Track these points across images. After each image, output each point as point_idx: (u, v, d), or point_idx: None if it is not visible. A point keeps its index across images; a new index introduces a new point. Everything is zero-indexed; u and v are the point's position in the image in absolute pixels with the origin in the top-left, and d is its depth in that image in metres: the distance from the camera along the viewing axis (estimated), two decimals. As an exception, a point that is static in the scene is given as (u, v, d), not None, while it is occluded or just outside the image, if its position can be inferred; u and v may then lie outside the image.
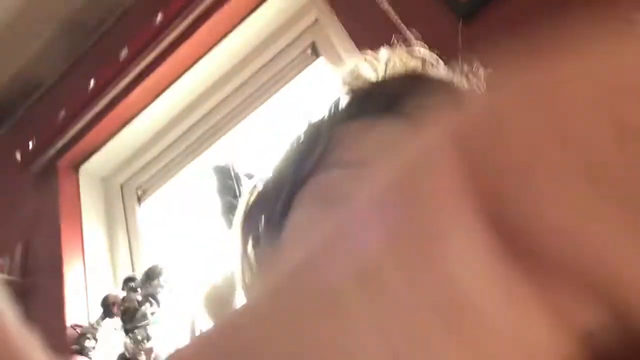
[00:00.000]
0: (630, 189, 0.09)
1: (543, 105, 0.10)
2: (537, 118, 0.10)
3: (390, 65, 0.39)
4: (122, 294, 1.25)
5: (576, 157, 0.09)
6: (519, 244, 0.09)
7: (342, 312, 0.10)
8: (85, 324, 1.28)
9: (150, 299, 1.15)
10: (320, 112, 0.37)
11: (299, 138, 0.36)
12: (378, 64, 0.39)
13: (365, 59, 0.40)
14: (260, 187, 0.37)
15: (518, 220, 0.09)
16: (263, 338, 0.10)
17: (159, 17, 1.47)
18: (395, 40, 0.43)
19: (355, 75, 0.39)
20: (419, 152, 0.11)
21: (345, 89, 0.38)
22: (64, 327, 1.27)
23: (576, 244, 0.09)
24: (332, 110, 0.36)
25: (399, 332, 0.09)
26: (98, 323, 1.25)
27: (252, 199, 0.37)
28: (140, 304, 1.18)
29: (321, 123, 0.35)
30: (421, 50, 0.41)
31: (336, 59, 1.21)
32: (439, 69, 0.40)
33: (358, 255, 0.10)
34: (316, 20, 1.35)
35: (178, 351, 0.13)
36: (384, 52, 0.41)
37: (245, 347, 0.10)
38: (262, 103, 1.45)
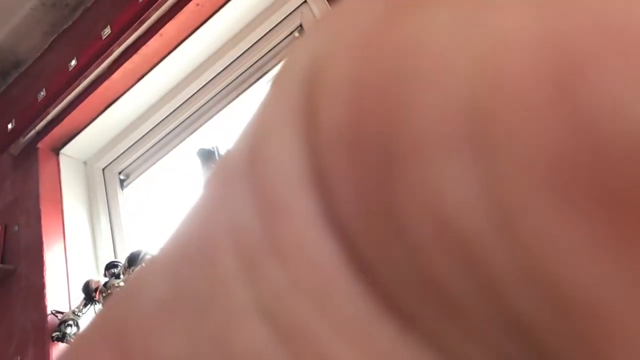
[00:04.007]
0: None
1: None
2: None
3: None
4: (103, 280, 1.23)
5: None
6: None
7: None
8: (66, 310, 1.26)
9: (133, 286, 1.13)
10: None
11: None
12: None
13: None
14: None
15: None
16: None
17: (143, -6, 1.41)
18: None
19: None
20: None
21: None
22: (44, 313, 1.24)
23: None
24: None
25: None
26: (80, 309, 1.23)
27: None
28: (123, 290, 1.16)
29: None
30: None
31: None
32: None
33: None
34: (304, 1, 1.31)
35: None
36: None
37: None
38: (248, 86, 1.41)
